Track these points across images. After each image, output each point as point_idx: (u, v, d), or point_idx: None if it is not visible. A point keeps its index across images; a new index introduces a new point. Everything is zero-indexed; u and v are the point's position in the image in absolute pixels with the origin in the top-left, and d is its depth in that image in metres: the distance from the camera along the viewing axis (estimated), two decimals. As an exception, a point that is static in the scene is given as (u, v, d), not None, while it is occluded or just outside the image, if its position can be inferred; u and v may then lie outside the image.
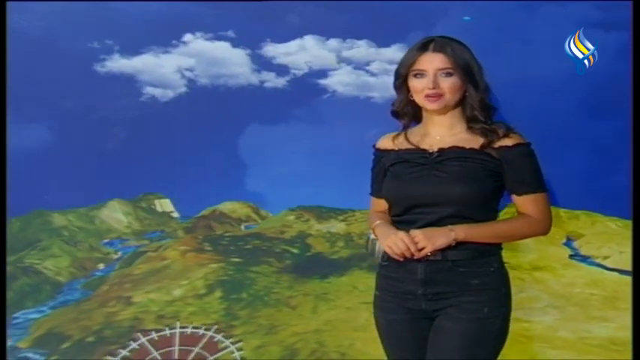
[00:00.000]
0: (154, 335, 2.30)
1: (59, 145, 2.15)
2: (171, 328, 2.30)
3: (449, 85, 1.79)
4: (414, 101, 1.85)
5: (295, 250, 2.38)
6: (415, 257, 1.75)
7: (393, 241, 1.75)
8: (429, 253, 1.75)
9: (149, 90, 2.17)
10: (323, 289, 2.39)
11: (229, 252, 2.37)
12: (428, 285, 1.78)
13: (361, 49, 2.25)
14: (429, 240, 1.73)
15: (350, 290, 2.40)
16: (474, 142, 1.81)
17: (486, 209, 1.81)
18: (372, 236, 2.30)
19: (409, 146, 1.87)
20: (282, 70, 2.23)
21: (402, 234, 1.76)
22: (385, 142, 1.94)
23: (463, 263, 1.77)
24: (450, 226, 1.75)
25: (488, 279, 1.78)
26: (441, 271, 1.77)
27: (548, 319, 2.39)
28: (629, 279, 2.36)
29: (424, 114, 1.88)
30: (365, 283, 2.37)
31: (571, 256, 2.40)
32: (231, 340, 2.33)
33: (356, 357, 2.38)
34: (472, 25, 2.25)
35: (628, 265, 2.36)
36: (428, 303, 1.79)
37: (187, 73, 2.20)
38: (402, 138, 1.90)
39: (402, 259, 1.77)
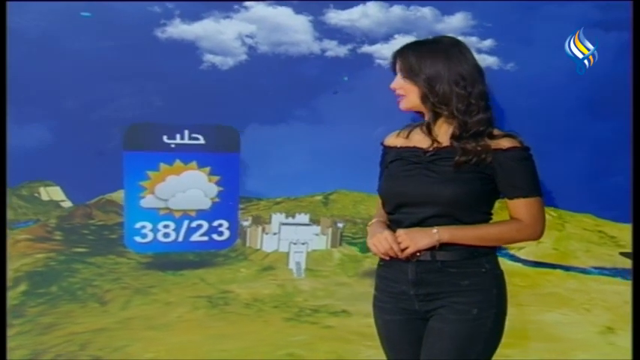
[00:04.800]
0: None
1: (59, 145, 2.14)
2: None
3: (399, 86, 1.82)
4: None
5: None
6: (400, 257, 1.76)
7: (378, 240, 1.78)
8: (417, 254, 1.75)
9: (209, 58, 2.10)
10: (157, 282, 2.21)
11: (80, 241, 2.18)
12: (419, 285, 1.79)
13: (425, 16, 2.19)
14: (412, 240, 1.74)
15: (195, 283, 2.25)
16: None
17: (475, 211, 1.79)
18: (246, 223, 2.25)
19: (409, 144, 1.88)
20: (344, 38, 2.17)
21: (386, 233, 1.77)
22: (390, 139, 1.95)
23: (453, 264, 1.77)
24: (435, 227, 1.75)
25: (478, 280, 1.78)
26: (431, 271, 1.77)
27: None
28: (530, 270, 2.37)
29: None
30: (219, 275, 2.26)
31: None
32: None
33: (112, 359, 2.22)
34: (472, 25, 2.25)
35: (541, 256, 2.37)
36: (420, 304, 1.80)
37: (248, 40, 2.12)
38: (403, 135, 1.91)
39: (387, 258, 1.79)
